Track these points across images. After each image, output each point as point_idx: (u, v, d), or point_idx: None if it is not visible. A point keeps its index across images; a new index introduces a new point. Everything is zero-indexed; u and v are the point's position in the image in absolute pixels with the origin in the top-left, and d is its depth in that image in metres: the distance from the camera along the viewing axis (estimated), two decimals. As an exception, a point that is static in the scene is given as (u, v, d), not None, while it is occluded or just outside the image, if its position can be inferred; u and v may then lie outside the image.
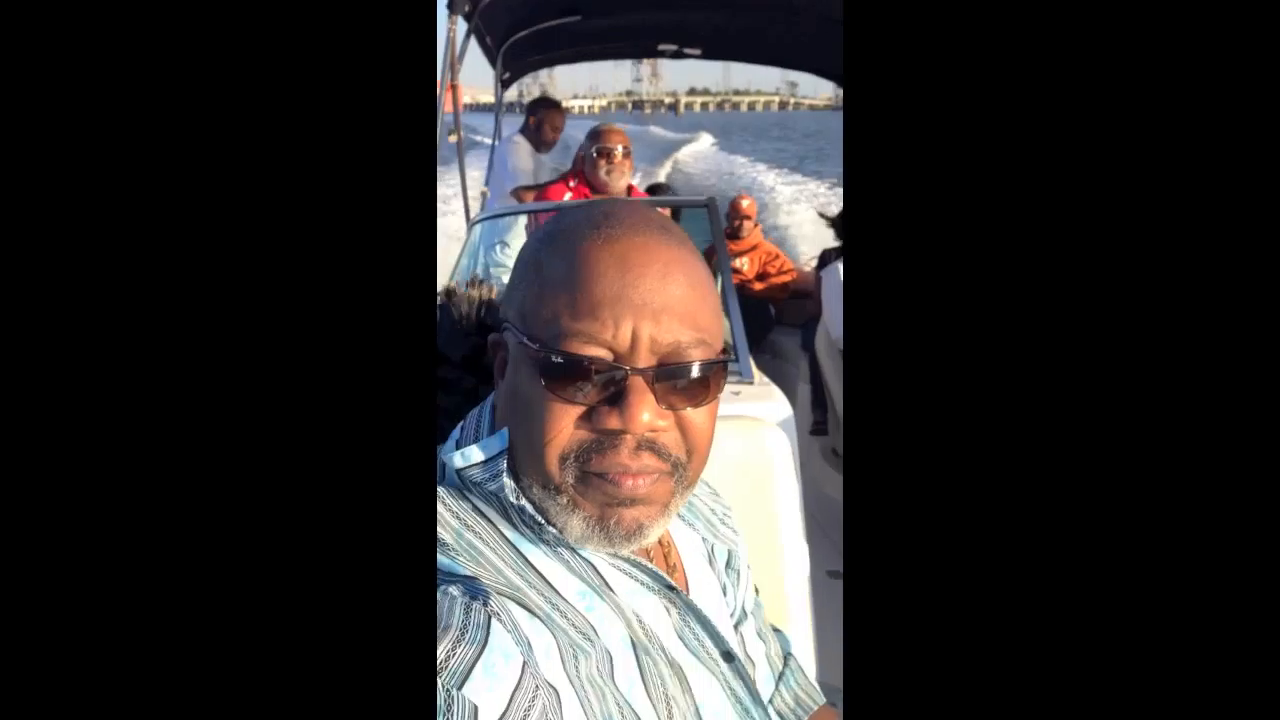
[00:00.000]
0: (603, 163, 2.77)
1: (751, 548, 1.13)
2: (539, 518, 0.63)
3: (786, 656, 0.91)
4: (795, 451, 1.53)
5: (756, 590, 0.91)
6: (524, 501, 0.63)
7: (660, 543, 0.75)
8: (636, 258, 0.61)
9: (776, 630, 0.92)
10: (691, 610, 0.70)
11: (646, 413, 0.59)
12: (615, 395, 0.60)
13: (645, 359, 0.60)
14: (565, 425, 0.61)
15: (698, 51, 3.77)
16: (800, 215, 9.97)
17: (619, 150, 2.78)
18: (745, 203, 4.39)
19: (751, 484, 1.44)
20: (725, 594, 0.82)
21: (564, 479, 0.61)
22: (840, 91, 4.02)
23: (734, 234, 4.35)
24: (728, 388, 1.58)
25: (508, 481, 0.63)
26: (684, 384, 0.61)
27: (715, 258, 1.97)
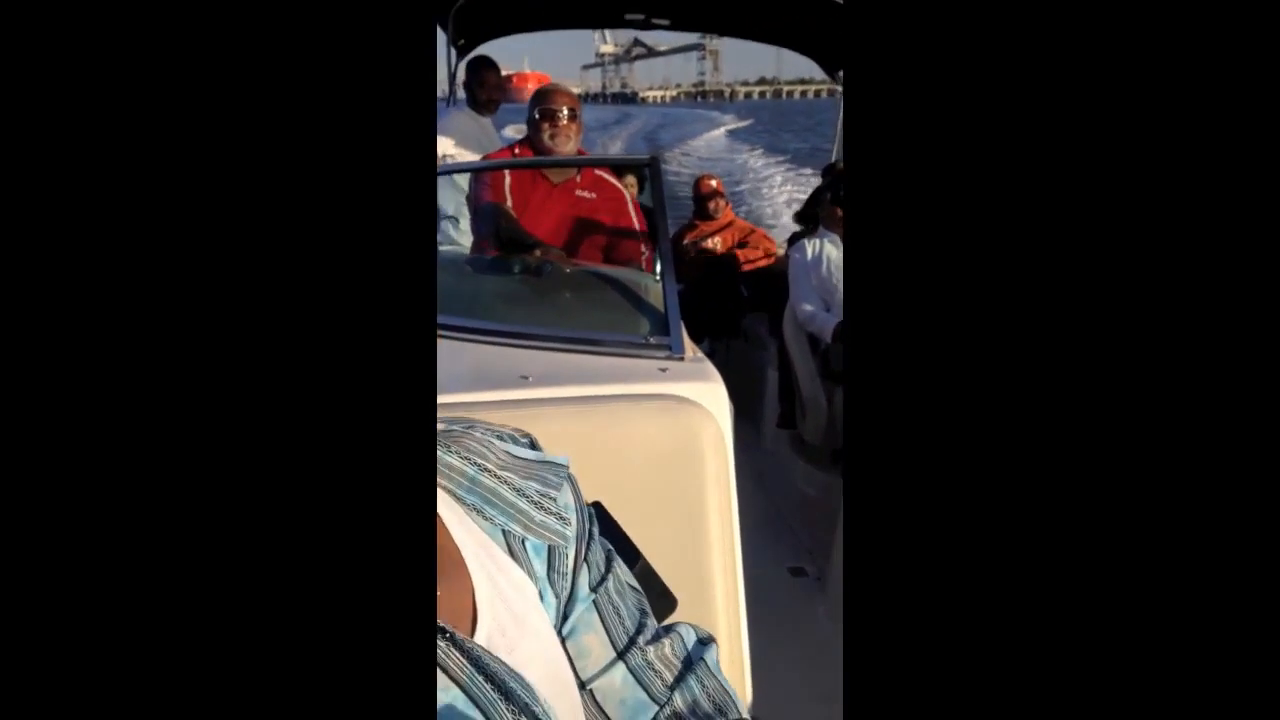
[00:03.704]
0: (546, 126, 2.43)
1: (673, 542, 1.01)
2: None
3: (689, 659, 0.64)
4: (729, 435, 1.25)
5: (632, 573, 0.67)
6: None
7: None
8: None
9: (682, 626, 0.67)
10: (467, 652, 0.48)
11: None
12: None
13: None
14: None
15: (666, 22, 3.41)
16: (778, 198, 9.54)
17: (564, 113, 2.43)
18: (713, 181, 4.05)
19: (674, 472, 1.17)
20: (543, 597, 0.58)
21: None
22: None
23: (707, 215, 4.01)
24: (653, 363, 1.42)
25: None
26: None
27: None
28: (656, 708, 0.60)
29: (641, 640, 0.62)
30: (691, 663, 0.63)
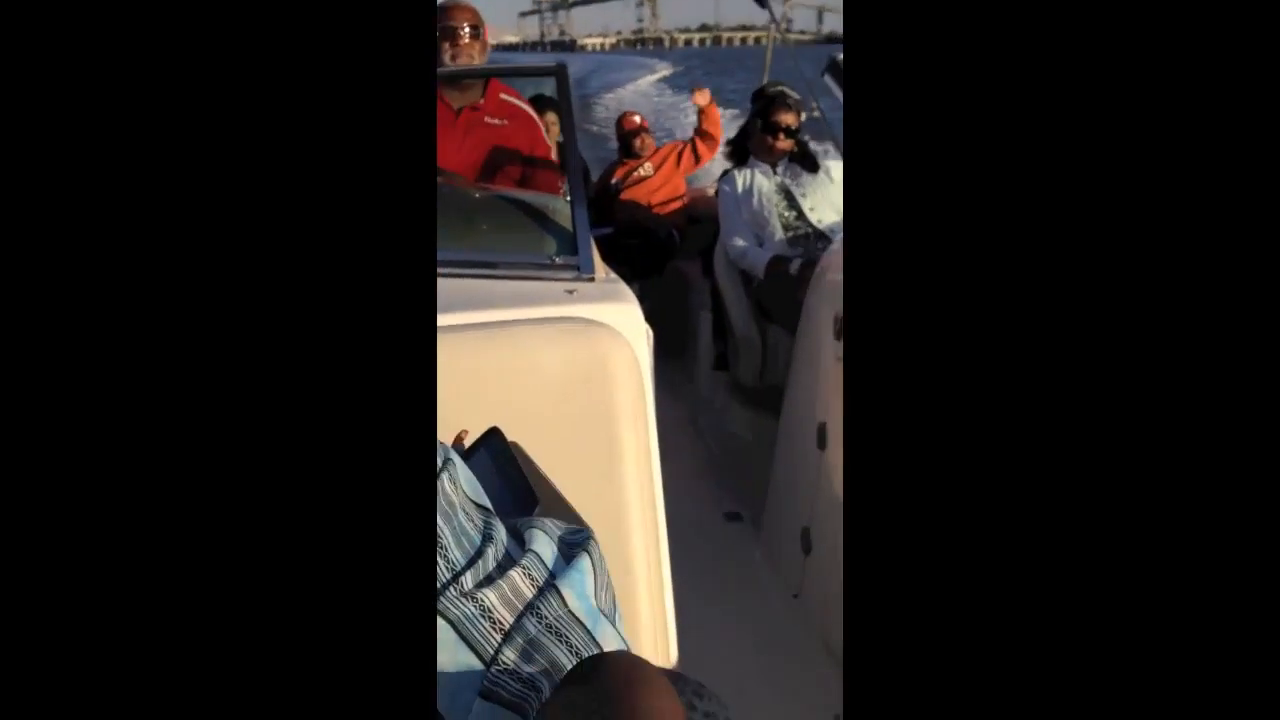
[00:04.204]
0: (446, 45, 2.18)
1: (586, 476, 0.97)
2: None
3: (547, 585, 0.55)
4: (647, 361, 1.17)
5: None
6: None
7: None
8: None
9: (541, 536, 0.59)
10: None
11: None
12: None
13: None
14: None
15: None
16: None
17: (465, 30, 2.19)
18: (636, 118, 3.85)
19: (584, 400, 1.07)
20: None
21: None
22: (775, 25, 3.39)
23: (633, 153, 3.86)
24: (560, 285, 1.29)
25: None
26: None
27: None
28: (483, 671, 0.47)
29: (472, 578, 0.49)
30: (545, 591, 0.51)
